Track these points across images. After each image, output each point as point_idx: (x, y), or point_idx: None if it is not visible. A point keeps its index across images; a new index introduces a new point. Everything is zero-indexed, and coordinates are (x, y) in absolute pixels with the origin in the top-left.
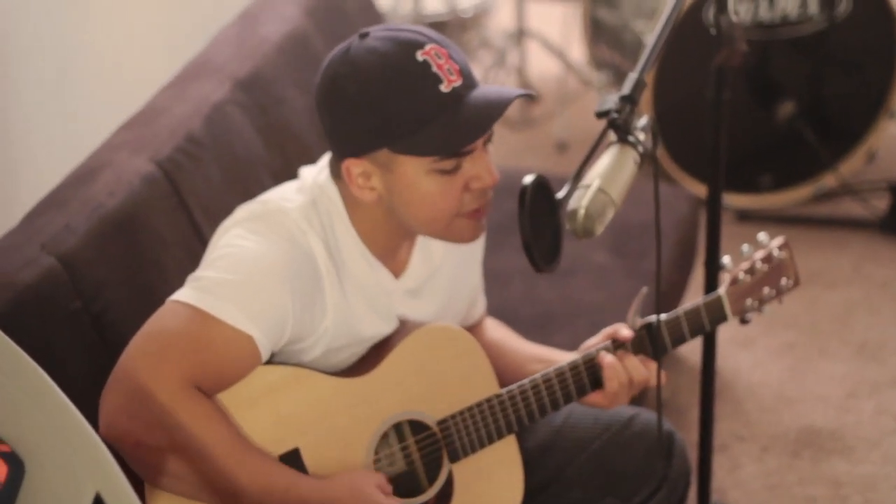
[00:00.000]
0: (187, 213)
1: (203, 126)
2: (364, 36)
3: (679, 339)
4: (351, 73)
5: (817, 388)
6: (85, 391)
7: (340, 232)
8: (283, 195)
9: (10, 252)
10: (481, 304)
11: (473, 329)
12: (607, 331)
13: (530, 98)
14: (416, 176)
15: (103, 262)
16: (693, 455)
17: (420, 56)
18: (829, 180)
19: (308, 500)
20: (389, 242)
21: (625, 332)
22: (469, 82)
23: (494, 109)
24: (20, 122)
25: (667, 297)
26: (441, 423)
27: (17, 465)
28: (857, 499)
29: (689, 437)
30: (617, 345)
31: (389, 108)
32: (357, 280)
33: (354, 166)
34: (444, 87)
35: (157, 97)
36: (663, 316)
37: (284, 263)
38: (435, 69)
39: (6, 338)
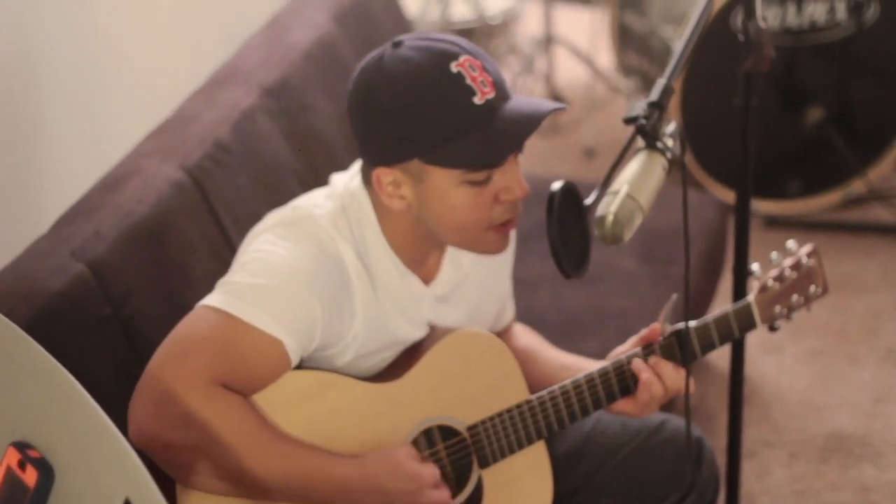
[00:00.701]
0: (216, 219)
1: (231, 133)
2: (398, 45)
3: (708, 346)
4: (384, 82)
5: (845, 394)
6: (114, 397)
7: (370, 239)
8: (314, 201)
9: (39, 259)
10: (510, 310)
11: (502, 335)
12: (635, 339)
13: (562, 110)
14: (447, 187)
15: (132, 269)
16: (721, 461)
17: (454, 67)
18: (857, 186)
19: (345, 477)
20: (419, 251)
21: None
22: (502, 94)
23: (529, 123)
24: (49, 129)
25: (695, 303)
26: (471, 428)
27: (47, 471)
28: None
29: (717, 444)
30: (648, 351)
31: (422, 119)
32: (387, 286)
33: (385, 175)
34: (478, 100)
35: (186, 104)
36: (693, 323)
37: (313, 269)
38: (469, 81)
39: (36, 344)
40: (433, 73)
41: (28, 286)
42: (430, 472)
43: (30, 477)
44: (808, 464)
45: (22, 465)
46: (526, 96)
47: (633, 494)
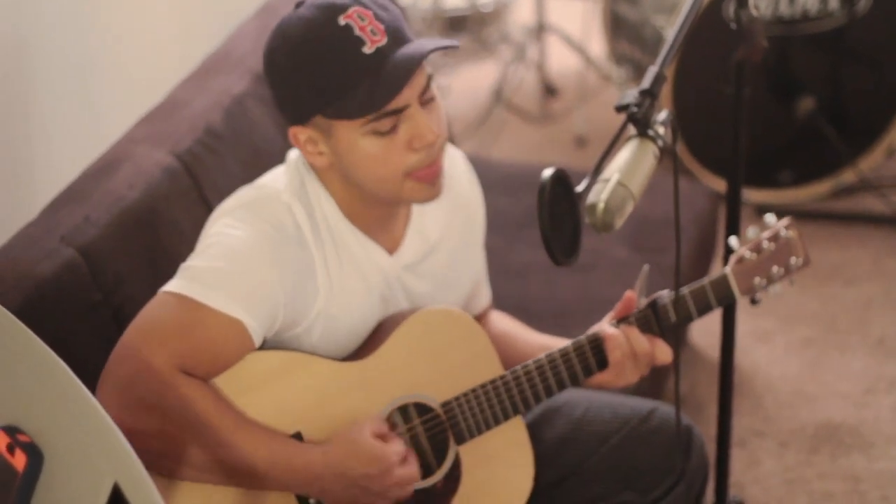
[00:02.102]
0: (207, 205)
1: (223, 119)
2: (299, 4)
3: (686, 318)
4: (281, 43)
5: (836, 384)
6: None
7: (328, 209)
8: (275, 178)
9: (30, 244)
10: (486, 294)
11: (478, 319)
12: (611, 313)
13: (453, 49)
14: (354, 138)
15: (123, 255)
16: (711, 450)
17: (342, 20)
18: (848, 176)
19: (309, 464)
20: (369, 214)
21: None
22: (397, 40)
23: (410, 63)
24: (40, 114)
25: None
26: (445, 405)
27: (36, 456)
28: (875, 494)
29: (707, 432)
30: (620, 320)
31: (315, 74)
32: (350, 258)
33: (300, 133)
34: (367, 49)
35: (177, 90)
36: (669, 293)
37: (272, 249)
38: (358, 32)
39: (26, 329)
40: (322, 28)
41: (18, 271)
42: (395, 450)
43: (19, 461)
44: (799, 453)
45: (11, 450)
46: (432, 38)
47: (622, 482)
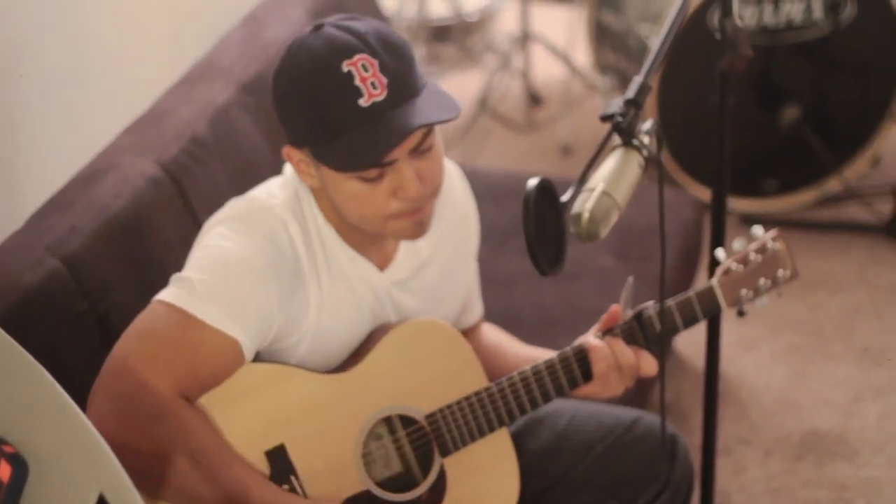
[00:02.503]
0: (192, 215)
1: (208, 128)
2: (317, 28)
3: (672, 330)
4: (286, 68)
5: (821, 392)
6: (89, 392)
7: (320, 224)
8: (269, 191)
9: (15, 253)
10: (478, 308)
11: (470, 332)
12: (597, 325)
13: (451, 121)
14: (340, 178)
15: (108, 264)
16: (696, 458)
17: (345, 66)
18: (833, 185)
19: None
20: (360, 232)
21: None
22: (397, 96)
23: (400, 131)
24: (25, 123)
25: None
26: (429, 417)
27: (21, 466)
28: (860, 502)
29: (692, 441)
30: (605, 332)
31: (311, 113)
32: (341, 273)
33: (293, 153)
34: (364, 102)
35: (163, 99)
36: (654, 305)
37: (265, 263)
38: (357, 81)
39: (11, 339)
40: (324, 70)
41: (3, 281)
42: None
43: (3, 472)
44: (784, 461)
45: None
46: (438, 97)
47: (607, 491)
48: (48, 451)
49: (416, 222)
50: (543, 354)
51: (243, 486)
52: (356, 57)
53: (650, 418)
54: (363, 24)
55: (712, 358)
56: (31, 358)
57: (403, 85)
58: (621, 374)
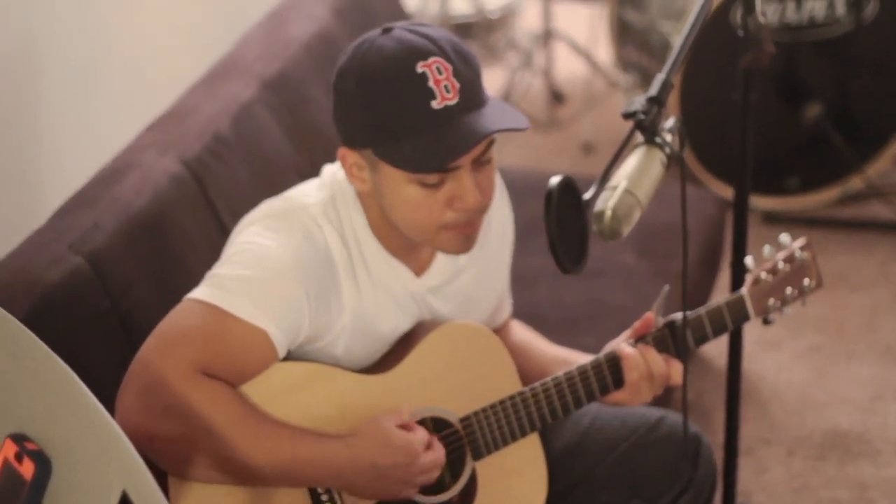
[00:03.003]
0: (214, 212)
1: (230, 126)
2: (387, 31)
3: (702, 339)
4: (356, 67)
5: (843, 391)
6: (111, 390)
7: (358, 228)
8: (305, 192)
9: (37, 251)
10: (507, 306)
11: (499, 331)
12: (629, 331)
13: (519, 130)
14: (398, 182)
15: (131, 262)
16: (719, 457)
17: (420, 67)
18: (855, 182)
19: (334, 459)
20: (400, 238)
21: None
22: (467, 102)
23: (473, 137)
24: (48, 121)
25: (693, 298)
26: (464, 420)
27: (44, 464)
28: (882, 502)
29: (714, 440)
30: (638, 339)
31: (378, 112)
32: (376, 277)
33: (348, 155)
34: (436, 104)
35: (185, 97)
36: (686, 314)
37: (300, 261)
38: (431, 83)
39: (33, 336)
40: (397, 69)
41: (26, 278)
42: (419, 438)
43: (27, 469)
44: (806, 461)
45: (19, 458)
46: (504, 109)
47: (630, 490)
48: (71, 449)
49: (465, 237)
50: (571, 355)
51: (287, 441)
52: (431, 59)
53: (673, 417)
54: (435, 30)
55: (734, 357)
56: (53, 355)
57: (473, 93)
58: (652, 382)
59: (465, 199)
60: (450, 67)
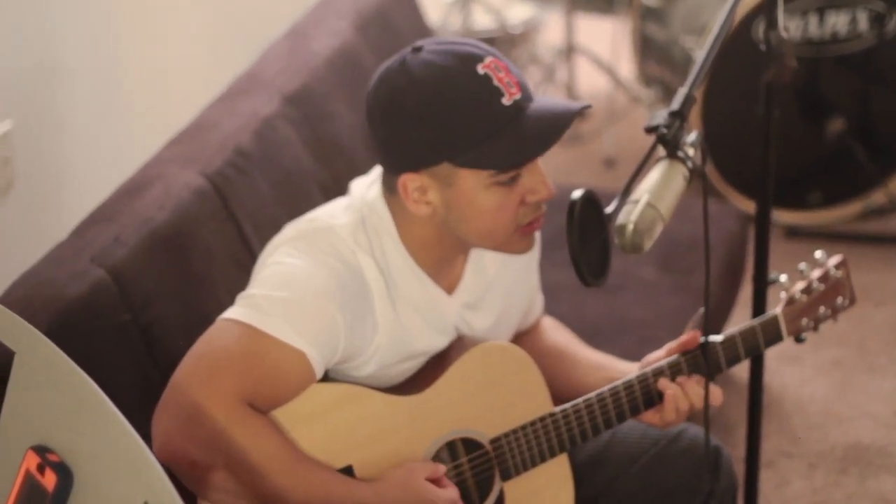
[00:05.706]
0: (237, 226)
1: (252, 140)
2: (418, 49)
3: (734, 360)
4: (410, 85)
5: (865, 405)
6: (133, 403)
7: (390, 249)
8: (332, 213)
9: (59, 264)
10: (539, 304)
11: (531, 332)
12: (672, 345)
13: (586, 110)
14: (477, 190)
15: (152, 275)
16: (740, 470)
17: (481, 69)
18: (878, 197)
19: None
20: (441, 257)
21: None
22: (527, 95)
23: (560, 121)
24: (70, 135)
25: (715, 313)
26: (494, 441)
27: (66, 475)
28: None
29: (736, 453)
30: (675, 371)
31: (452, 122)
32: (408, 297)
33: (412, 181)
34: (506, 101)
35: (207, 111)
36: (720, 337)
37: (333, 282)
38: (496, 82)
39: (56, 348)
40: (461, 76)
41: (48, 292)
42: (449, 496)
43: (49, 481)
44: (828, 475)
45: (41, 469)
46: (547, 97)
47: (651, 502)
48: (93, 461)
49: (532, 236)
50: (607, 360)
51: (321, 483)
52: (487, 60)
53: (694, 430)
54: (465, 39)
55: (756, 370)
56: (76, 367)
57: (527, 85)
58: (689, 413)
59: (538, 190)
60: (504, 64)
